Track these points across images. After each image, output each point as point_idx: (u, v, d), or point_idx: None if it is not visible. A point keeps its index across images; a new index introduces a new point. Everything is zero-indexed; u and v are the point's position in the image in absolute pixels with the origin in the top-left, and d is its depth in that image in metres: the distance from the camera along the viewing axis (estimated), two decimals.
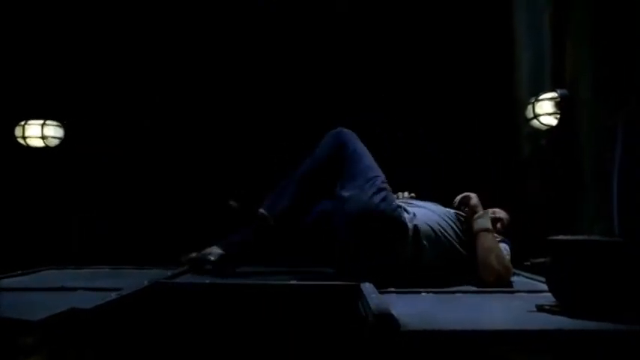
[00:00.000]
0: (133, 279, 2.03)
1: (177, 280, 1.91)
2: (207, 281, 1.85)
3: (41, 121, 2.83)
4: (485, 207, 1.98)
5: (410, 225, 1.89)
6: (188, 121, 2.98)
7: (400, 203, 1.97)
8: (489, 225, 1.92)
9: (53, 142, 2.86)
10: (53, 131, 2.84)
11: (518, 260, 1.85)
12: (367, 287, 1.64)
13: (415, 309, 1.46)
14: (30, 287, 1.85)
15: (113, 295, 1.49)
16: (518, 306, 1.56)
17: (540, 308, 1.46)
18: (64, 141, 2.88)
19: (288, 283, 1.81)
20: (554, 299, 1.51)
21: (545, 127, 2.18)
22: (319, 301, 1.71)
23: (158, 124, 2.98)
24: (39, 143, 2.84)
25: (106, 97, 2.98)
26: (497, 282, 1.85)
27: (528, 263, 1.54)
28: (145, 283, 1.74)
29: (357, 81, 2.90)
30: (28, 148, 2.84)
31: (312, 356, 1.68)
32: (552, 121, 2.14)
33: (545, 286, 1.81)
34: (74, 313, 1.23)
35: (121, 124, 2.98)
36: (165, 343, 1.62)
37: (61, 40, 2.96)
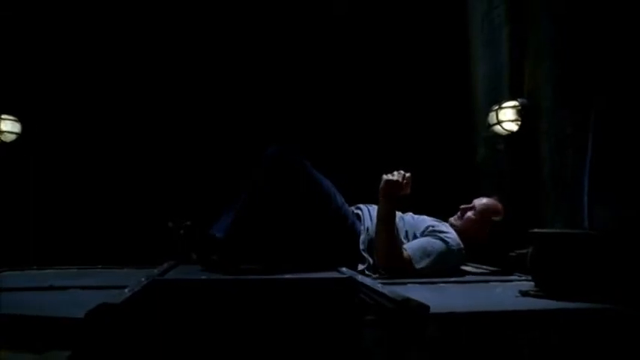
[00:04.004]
0: (115, 277, 2.06)
1: (172, 276, 1.92)
2: (204, 277, 1.88)
3: None
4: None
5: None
6: (168, 118, 2.93)
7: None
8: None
9: (9, 138, 2.72)
10: (10, 126, 2.70)
11: (499, 253, 2.04)
12: (366, 279, 1.74)
13: (414, 296, 1.58)
14: (15, 287, 1.79)
15: (126, 291, 1.49)
16: (502, 293, 1.74)
17: (525, 293, 1.64)
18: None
19: (282, 277, 1.87)
20: (532, 285, 1.70)
21: (506, 133, 2.40)
22: (315, 293, 1.79)
23: (135, 121, 2.92)
24: None
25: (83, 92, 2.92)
26: (385, 264, 2.03)
27: (513, 254, 1.72)
28: (143, 280, 1.74)
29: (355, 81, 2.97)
30: None
31: (313, 349, 1.74)
32: (514, 127, 2.36)
33: (514, 277, 2.04)
34: (109, 308, 1.24)
35: (97, 119, 2.91)
36: (173, 339, 1.64)
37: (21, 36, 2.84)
